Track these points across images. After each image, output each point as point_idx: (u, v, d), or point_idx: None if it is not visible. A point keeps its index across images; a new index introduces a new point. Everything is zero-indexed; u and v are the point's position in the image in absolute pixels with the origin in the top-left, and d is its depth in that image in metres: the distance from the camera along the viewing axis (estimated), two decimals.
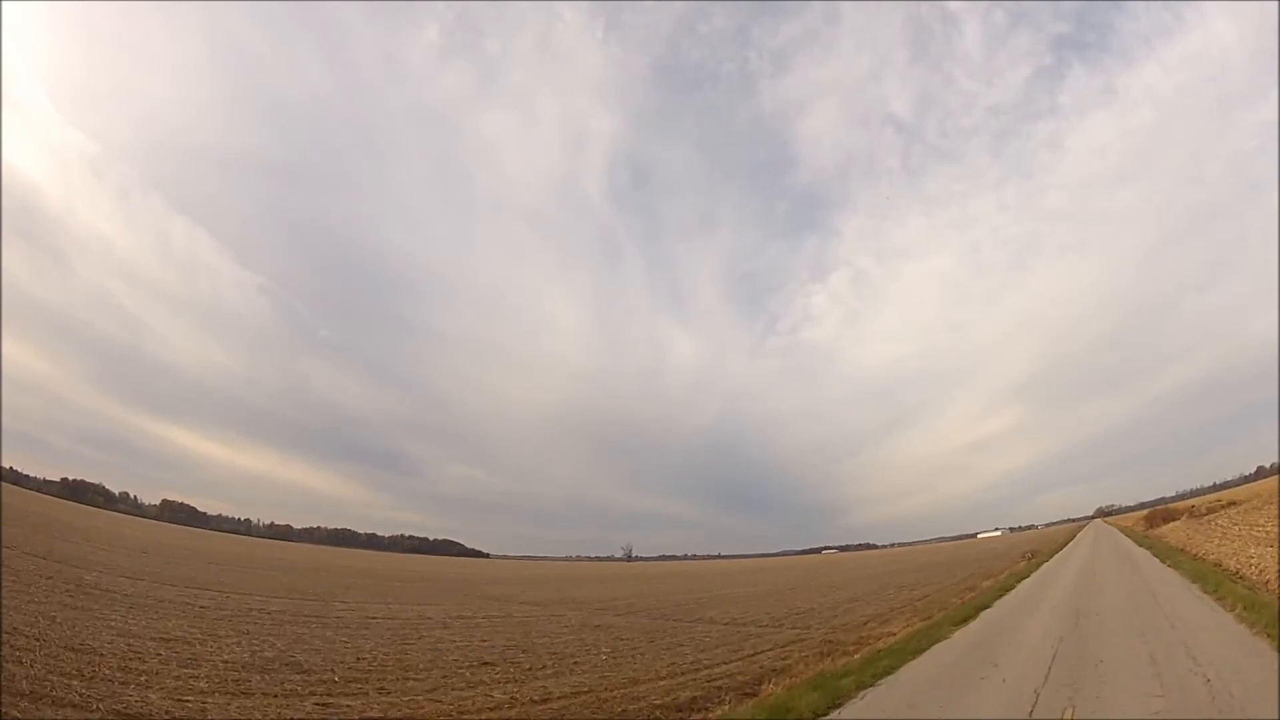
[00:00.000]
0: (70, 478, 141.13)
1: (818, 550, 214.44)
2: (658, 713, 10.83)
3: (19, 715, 8.34)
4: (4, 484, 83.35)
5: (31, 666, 10.63)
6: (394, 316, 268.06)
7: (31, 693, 9.36)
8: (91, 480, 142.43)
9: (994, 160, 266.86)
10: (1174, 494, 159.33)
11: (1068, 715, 8.87)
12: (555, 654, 16.79)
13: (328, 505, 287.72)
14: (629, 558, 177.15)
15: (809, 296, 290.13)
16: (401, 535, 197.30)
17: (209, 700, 10.31)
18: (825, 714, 9.98)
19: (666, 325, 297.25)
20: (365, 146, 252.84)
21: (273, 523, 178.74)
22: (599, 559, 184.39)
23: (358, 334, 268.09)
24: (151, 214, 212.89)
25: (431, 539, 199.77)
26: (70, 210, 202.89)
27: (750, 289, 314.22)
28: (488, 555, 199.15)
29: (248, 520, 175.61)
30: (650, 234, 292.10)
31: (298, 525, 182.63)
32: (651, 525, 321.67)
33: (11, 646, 11.63)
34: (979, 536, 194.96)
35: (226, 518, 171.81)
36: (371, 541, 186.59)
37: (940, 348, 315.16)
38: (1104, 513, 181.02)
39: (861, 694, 11.03)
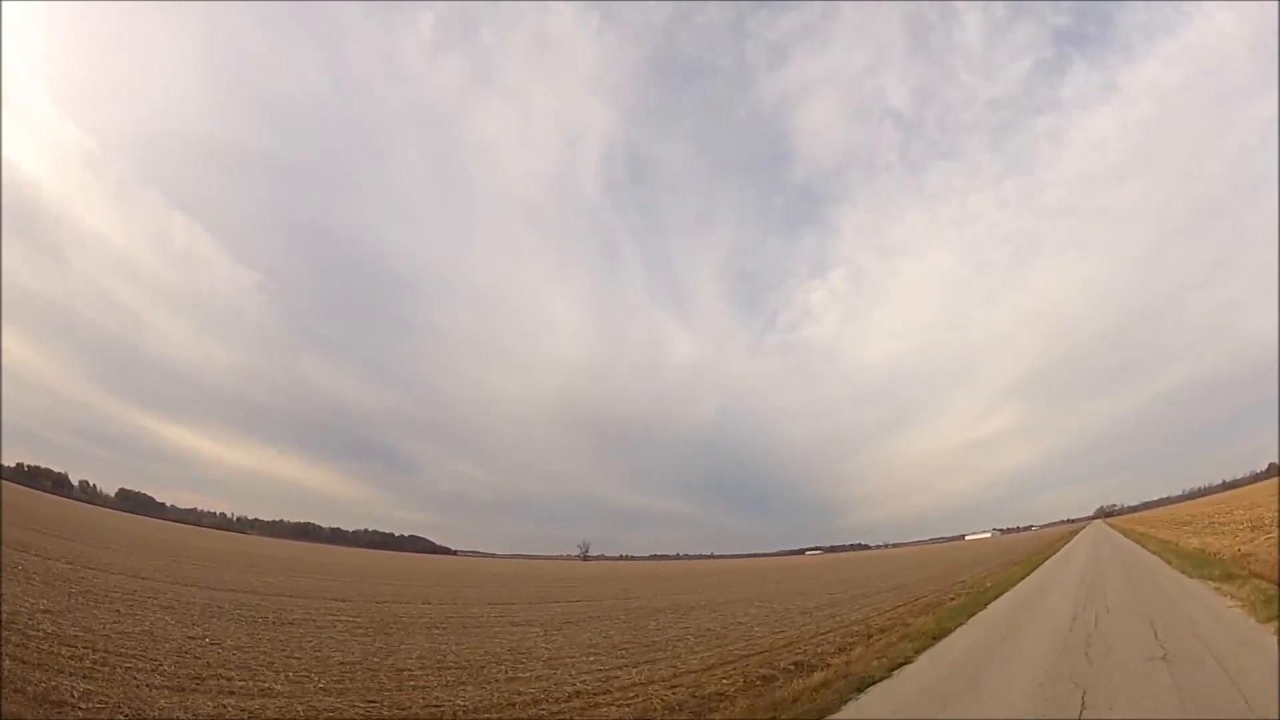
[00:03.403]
0: (26, 463, 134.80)
1: (800, 551, 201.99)
2: None
3: None
4: None
5: None
6: (393, 314, 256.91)
7: None
8: (54, 469, 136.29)
9: (994, 155, 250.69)
10: (1179, 493, 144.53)
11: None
12: None
13: (314, 501, 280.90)
14: (584, 556, 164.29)
15: (808, 294, 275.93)
16: (365, 530, 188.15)
17: None
18: None
19: (666, 323, 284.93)
20: (362, 143, 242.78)
21: (241, 516, 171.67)
22: (558, 558, 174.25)
23: (356, 332, 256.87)
24: (149, 211, 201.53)
25: (397, 535, 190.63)
26: (68, 207, 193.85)
27: (749, 286, 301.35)
28: (455, 552, 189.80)
29: (211, 512, 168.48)
30: (649, 230, 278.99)
31: (266, 517, 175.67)
32: (648, 524, 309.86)
33: None
34: (967, 538, 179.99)
35: (182, 508, 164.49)
36: (336, 536, 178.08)
37: (940, 346, 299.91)
38: (1105, 513, 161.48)
39: None
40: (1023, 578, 25.03)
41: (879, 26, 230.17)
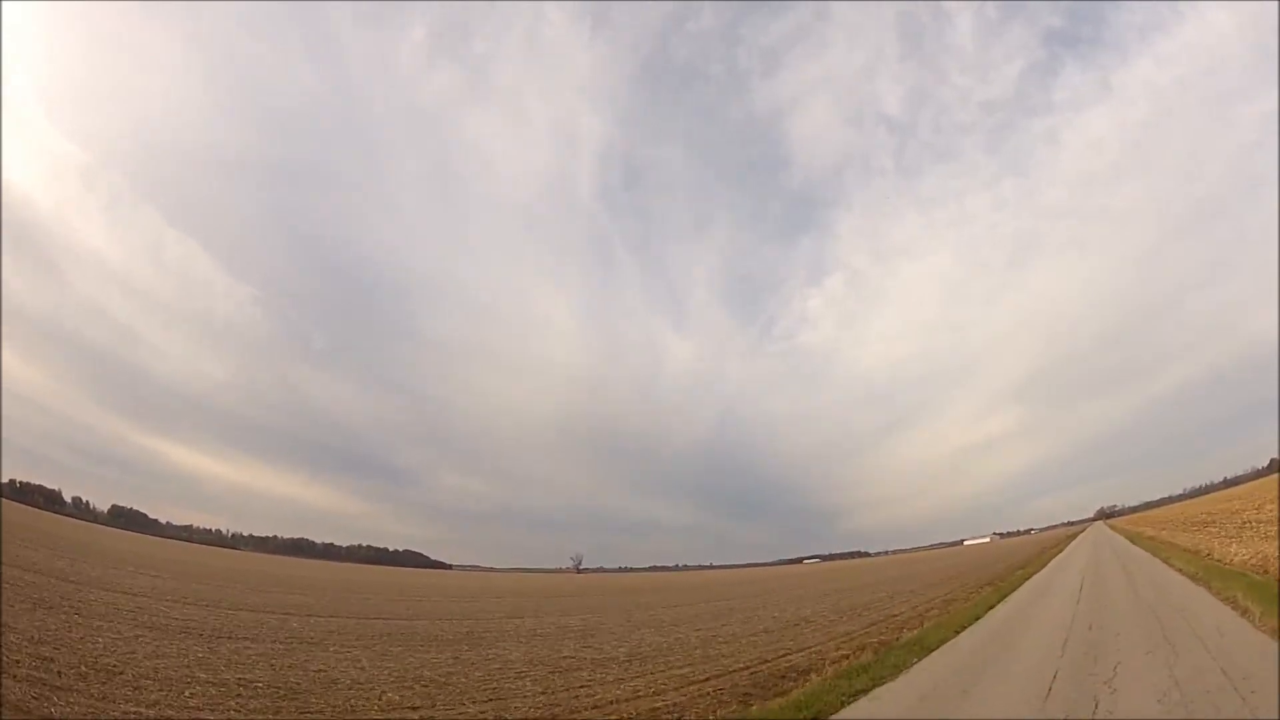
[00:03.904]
0: (18, 480, 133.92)
1: (798, 560, 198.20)
2: None
3: None
4: None
5: None
6: (388, 322, 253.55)
7: None
8: (48, 485, 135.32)
9: (990, 157, 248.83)
10: (1180, 491, 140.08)
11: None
12: None
13: (311, 516, 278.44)
14: (578, 568, 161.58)
15: (805, 299, 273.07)
16: (359, 545, 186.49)
17: None
18: None
19: (662, 329, 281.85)
20: (357, 151, 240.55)
21: (236, 533, 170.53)
22: (556, 570, 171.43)
23: (351, 341, 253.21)
24: (143, 223, 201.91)
25: (391, 549, 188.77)
26: (63, 221, 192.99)
27: (746, 291, 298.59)
28: (450, 566, 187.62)
29: (204, 529, 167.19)
30: (643, 236, 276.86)
31: (261, 534, 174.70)
32: (648, 534, 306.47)
33: None
34: (965, 543, 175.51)
35: (177, 525, 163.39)
36: (329, 551, 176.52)
37: (939, 348, 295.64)
38: (1106, 513, 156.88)
39: None
40: (974, 620, 17.57)
41: (871, 29, 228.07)
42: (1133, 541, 50.78)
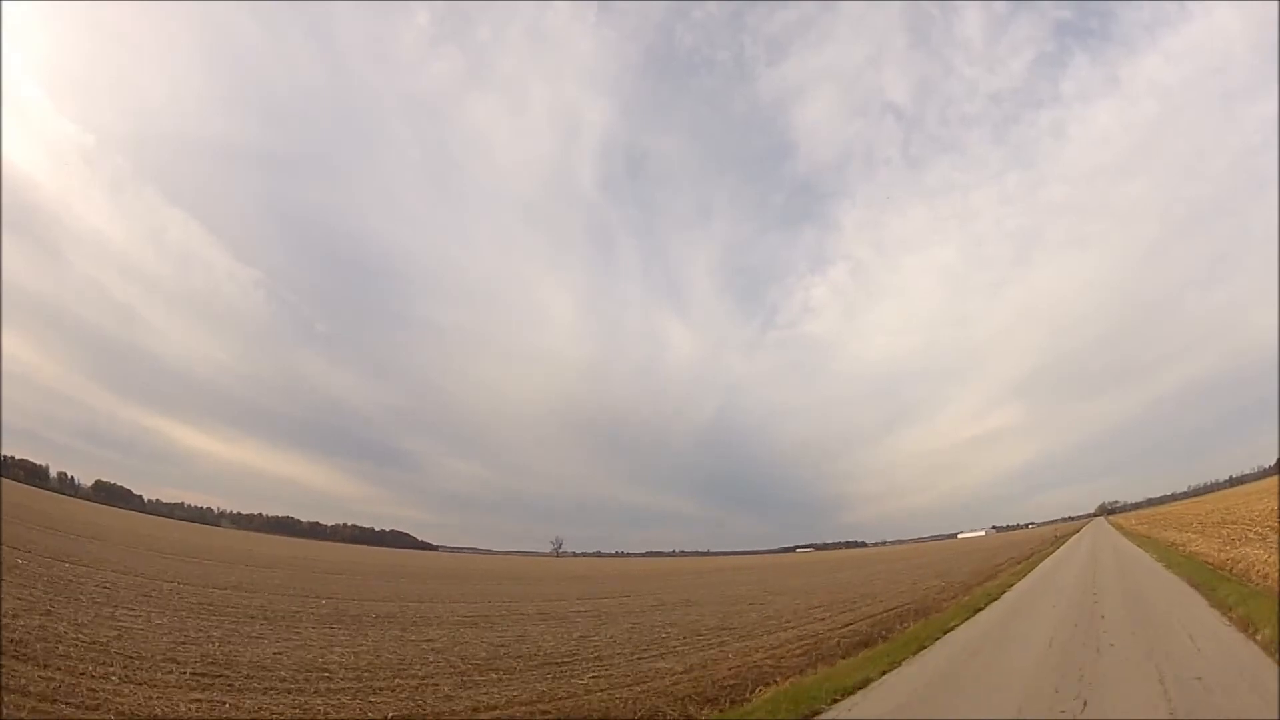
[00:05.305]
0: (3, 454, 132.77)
1: (792, 549, 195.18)
2: None
3: None
4: None
5: None
6: (389, 309, 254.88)
7: None
8: (40, 462, 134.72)
9: (995, 150, 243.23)
10: (1184, 489, 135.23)
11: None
12: None
13: (309, 498, 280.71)
14: (558, 552, 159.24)
15: (808, 289, 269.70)
16: (344, 524, 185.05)
17: None
18: None
19: (664, 318, 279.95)
20: (359, 137, 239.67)
21: (222, 510, 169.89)
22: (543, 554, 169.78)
23: (352, 327, 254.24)
24: (145, 206, 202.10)
25: (377, 529, 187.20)
26: (64, 203, 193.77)
27: (748, 282, 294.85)
28: (436, 548, 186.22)
29: (188, 505, 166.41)
30: (646, 225, 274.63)
31: (247, 511, 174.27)
32: (648, 521, 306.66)
33: None
34: (960, 536, 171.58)
35: (166, 502, 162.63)
36: (315, 530, 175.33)
37: (941, 342, 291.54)
38: (1108, 510, 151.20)
39: None
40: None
41: (878, 20, 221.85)
42: (1191, 582, 20.76)
